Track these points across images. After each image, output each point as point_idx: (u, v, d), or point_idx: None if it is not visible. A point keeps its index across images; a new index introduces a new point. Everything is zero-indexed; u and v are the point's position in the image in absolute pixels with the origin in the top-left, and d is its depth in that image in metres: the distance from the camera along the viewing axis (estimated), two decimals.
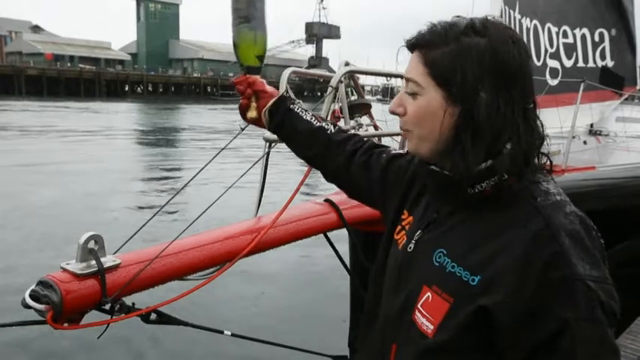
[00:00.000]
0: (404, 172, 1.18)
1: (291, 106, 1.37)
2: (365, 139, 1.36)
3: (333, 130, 1.34)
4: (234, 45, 1.39)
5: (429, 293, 0.93)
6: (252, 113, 1.39)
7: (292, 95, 2.16)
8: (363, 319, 1.22)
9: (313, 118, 1.36)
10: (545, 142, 0.95)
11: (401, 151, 1.27)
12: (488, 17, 0.94)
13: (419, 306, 0.95)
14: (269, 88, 1.40)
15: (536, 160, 0.93)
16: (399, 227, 1.13)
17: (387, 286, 1.10)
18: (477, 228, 0.91)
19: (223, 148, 1.75)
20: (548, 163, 0.97)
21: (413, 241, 1.03)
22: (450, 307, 0.89)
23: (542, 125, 0.94)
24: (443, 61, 0.90)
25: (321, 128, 1.34)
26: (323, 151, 1.33)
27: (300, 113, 1.36)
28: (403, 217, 1.13)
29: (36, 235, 7.07)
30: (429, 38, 0.92)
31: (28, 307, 1.29)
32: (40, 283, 1.31)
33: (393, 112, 0.99)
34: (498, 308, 0.83)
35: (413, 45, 0.95)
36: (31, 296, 1.28)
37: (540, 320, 0.82)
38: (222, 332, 1.84)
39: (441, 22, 0.94)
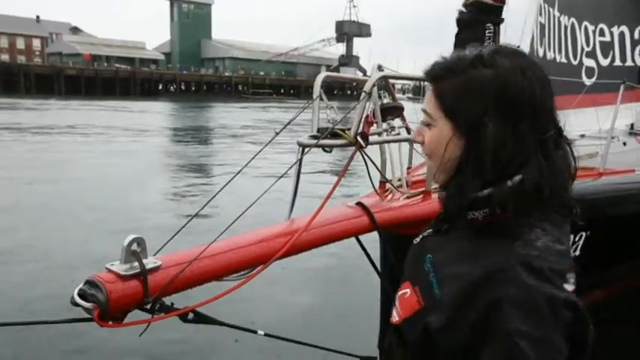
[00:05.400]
0: None
1: None
2: None
3: None
4: None
5: (408, 289, 0.98)
6: None
7: (324, 97, 2.20)
8: (382, 320, 1.28)
9: None
10: (569, 177, 0.92)
11: None
12: (503, 46, 0.96)
13: (397, 295, 1.01)
14: None
15: (554, 198, 0.88)
16: None
17: None
18: (458, 248, 0.93)
19: (256, 154, 1.80)
20: (573, 204, 0.93)
21: (420, 236, 1.08)
22: (419, 309, 0.94)
23: (571, 156, 0.93)
24: (450, 93, 0.92)
25: None
26: None
27: None
28: None
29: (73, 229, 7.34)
30: (440, 71, 0.95)
31: (76, 304, 1.36)
32: (88, 282, 1.38)
33: (415, 141, 1.04)
34: (437, 332, 0.88)
35: (428, 78, 0.98)
36: (79, 295, 1.36)
37: (468, 356, 0.84)
38: (255, 332, 1.89)
39: (452, 53, 0.96)
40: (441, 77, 0.94)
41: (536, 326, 0.79)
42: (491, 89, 0.88)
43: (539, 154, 0.87)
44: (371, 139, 2.19)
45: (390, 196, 2.64)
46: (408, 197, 2.61)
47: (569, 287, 0.85)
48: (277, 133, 1.62)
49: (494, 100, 0.87)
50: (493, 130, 0.87)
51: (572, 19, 5.40)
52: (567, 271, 0.87)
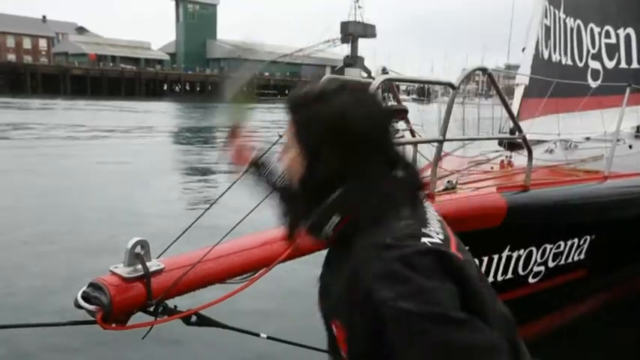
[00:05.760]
0: None
1: None
2: None
3: None
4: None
5: (335, 327, 1.03)
6: None
7: None
8: None
9: None
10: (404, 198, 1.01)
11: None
12: (350, 81, 1.10)
13: (341, 342, 1.04)
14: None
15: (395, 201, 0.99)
16: None
17: None
18: (332, 267, 1.08)
19: (259, 157, 1.79)
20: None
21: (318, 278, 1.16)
22: (345, 335, 1.00)
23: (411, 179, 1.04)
24: (297, 123, 1.06)
25: None
26: None
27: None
28: None
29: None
30: (294, 104, 1.09)
31: (80, 307, 1.37)
32: (91, 285, 1.39)
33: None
34: (350, 345, 0.98)
35: (287, 107, 1.11)
36: (83, 297, 1.36)
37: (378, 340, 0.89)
38: (258, 335, 1.89)
39: (305, 88, 1.09)
40: (294, 108, 1.08)
41: (404, 286, 0.85)
42: (328, 122, 1.00)
43: (366, 179, 0.99)
44: None
45: None
46: None
47: (430, 239, 0.92)
48: (281, 137, 1.62)
49: (328, 133, 1.00)
50: (327, 158, 0.99)
51: (578, 21, 5.38)
52: (423, 227, 0.95)
